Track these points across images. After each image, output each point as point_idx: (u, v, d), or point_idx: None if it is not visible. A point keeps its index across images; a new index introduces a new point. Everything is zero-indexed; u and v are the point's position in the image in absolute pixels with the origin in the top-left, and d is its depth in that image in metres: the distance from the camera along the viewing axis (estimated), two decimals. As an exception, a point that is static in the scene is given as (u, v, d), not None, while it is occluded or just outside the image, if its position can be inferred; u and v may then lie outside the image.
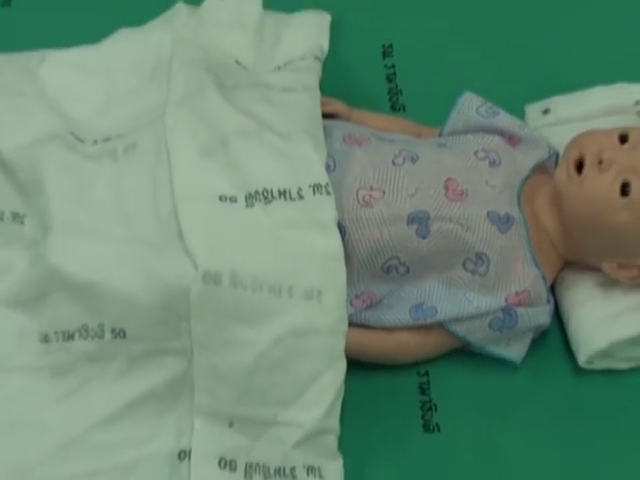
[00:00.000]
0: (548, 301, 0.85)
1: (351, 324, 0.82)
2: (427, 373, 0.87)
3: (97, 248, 0.81)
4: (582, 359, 0.83)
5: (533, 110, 0.94)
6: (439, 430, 0.85)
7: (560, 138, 0.88)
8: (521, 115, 0.95)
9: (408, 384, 0.87)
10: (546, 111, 0.93)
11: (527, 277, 0.84)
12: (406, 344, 0.85)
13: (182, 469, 0.80)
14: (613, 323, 0.83)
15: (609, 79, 0.93)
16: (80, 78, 0.96)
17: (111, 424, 0.80)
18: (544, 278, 0.85)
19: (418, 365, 0.87)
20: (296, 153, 0.86)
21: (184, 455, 0.80)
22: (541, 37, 0.96)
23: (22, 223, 0.87)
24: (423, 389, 0.87)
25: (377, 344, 0.85)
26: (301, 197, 0.83)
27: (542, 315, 0.85)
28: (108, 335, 0.80)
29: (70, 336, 0.81)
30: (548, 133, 0.90)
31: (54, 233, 0.81)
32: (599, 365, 0.84)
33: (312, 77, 0.95)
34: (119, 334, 0.80)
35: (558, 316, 0.88)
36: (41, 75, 0.96)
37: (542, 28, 0.96)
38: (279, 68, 0.98)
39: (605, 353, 0.83)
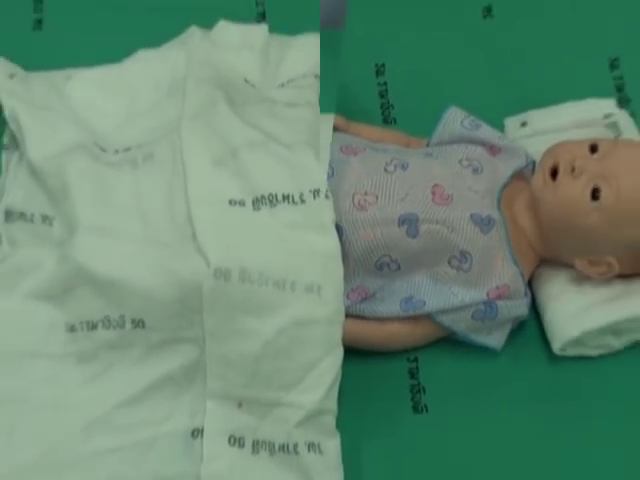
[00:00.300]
0: (525, 294, 0.86)
1: (347, 315, 0.83)
2: (416, 359, 0.88)
3: (118, 248, 0.82)
4: (556, 347, 0.85)
5: (512, 123, 0.94)
6: (427, 411, 0.86)
7: (536, 148, 0.89)
8: (501, 127, 0.96)
9: (399, 369, 0.88)
10: (524, 124, 0.93)
11: (506, 273, 0.85)
12: (397, 333, 0.86)
13: (195, 445, 0.81)
14: (584, 315, 0.83)
15: (580, 95, 0.93)
16: (103, 94, 0.97)
17: (131, 405, 0.82)
18: (522, 274, 0.86)
19: (408, 352, 0.88)
20: (298, 162, 0.87)
21: (197, 433, 0.81)
22: (519, 58, 0.96)
23: (51, 225, 0.88)
24: (412, 373, 0.88)
25: (371, 333, 0.86)
26: (303, 201, 0.85)
27: (520, 307, 0.86)
28: (129, 325, 0.81)
29: (94, 326, 0.82)
30: (525, 143, 0.91)
31: (79, 234, 0.83)
32: (571, 352, 0.85)
33: (313, 93, 0.95)
34: (139, 324, 0.81)
35: (535, 308, 0.89)
36: (68, 91, 0.97)
37: (520, 50, 0.96)
38: (283, 85, 0.99)
39: (577, 341, 0.84)
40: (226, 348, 0.81)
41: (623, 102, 0.93)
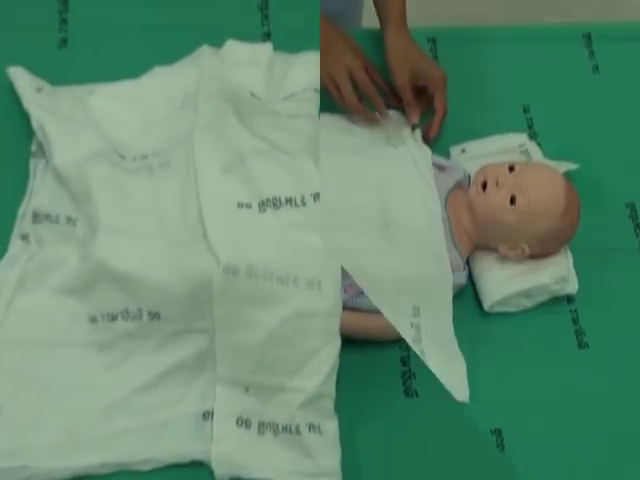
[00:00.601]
0: (464, 269, 0.93)
1: (345, 308, 0.85)
2: (407, 348, 0.88)
3: (136, 246, 0.84)
4: (486, 305, 0.94)
5: (455, 150, 1.04)
6: (417, 395, 0.88)
7: (472, 168, 1.00)
8: (447, 153, 1.04)
9: (392, 357, 0.89)
10: (463, 150, 1.04)
11: (450, 253, 0.92)
12: (389, 324, 0.86)
13: (206, 426, 0.82)
14: (506, 284, 0.94)
15: (502, 130, 1.05)
16: (122, 107, 0.98)
17: (148, 390, 0.83)
18: (461, 255, 0.93)
19: (400, 341, 0.88)
20: (300, 168, 0.89)
21: (208, 415, 0.83)
22: (458, 108, 1.05)
23: (74, 225, 0.89)
24: (404, 361, 0.89)
25: (366, 324, 0.87)
26: (304, 204, 0.86)
27: (461, 278, 0.93)
28: (145, 317, 0.83)
29: (114, 318, 0.84)
30: (464, 164, 1.01)
31: (100, 234, 0.84)
32: (497, 309, 0.94)
33: (313, 106, 0.97)
34: (155, 316, 0.83)
35: (471, 279, 0.96)
36: (90, 104, 0.97)
37: (456, 102, 1.04)
38: (286, 99, 1.01)
39: (501, 302, 0.94)
40: (234, 337, 0.82)
41: (532, 136, 1.06)
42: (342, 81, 0.96)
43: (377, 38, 1.05)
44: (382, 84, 1.02)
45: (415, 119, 1.01)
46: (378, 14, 1.05)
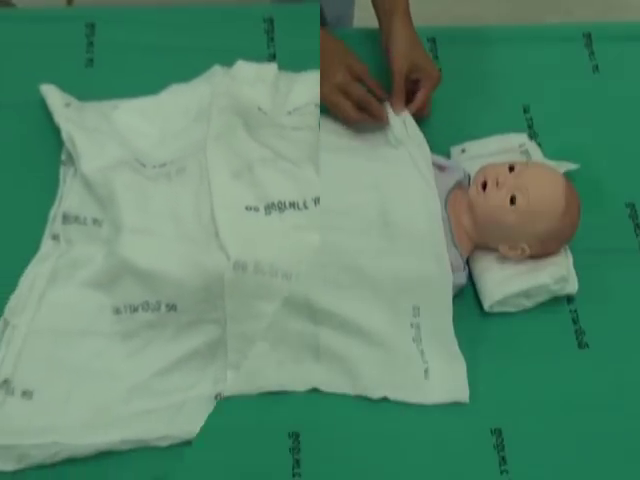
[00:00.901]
0: (464, 269, 0.92)
1: None
2: None
3: (155, 245, 0.86)
4: (486, 305, 0.92)
5: (455, 150, 1.03)
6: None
7: (472, 168, 0.98)
8: (448, 153, 1.03)
9: None
10: (463, 150, 1.02)
11: (450, 253, 0.91)
12: None
13: None
14: (505, 284, 0.92)
15: (502, 130, 1.03)
16: (143, 120, 0.99)
17: (165, 374, 0.85)
18: (461, 255, 0.92)
19: None
20: (302, 175, 0.91)
21: (219, 397, 0.84)
22: (458, 108, 1.04)
23: (100, 226, 0.91)
24: None
25: None
26: (306, 207, 0.88)
27: (461, 278, 0.92)
28: (163, 309, 0.85)
29: (135, 309, 0.86)
30: (464, 164, 1.00)
31: (124, 234, 0.87)
32: (497, 309, 0.93)
33: (313, 119, 0.98)
34: (172, 308, 0.85)
35: (471, 278, 0.94)
36: (114, 118, 0.99)
37: (456, 102, 1.04)
38: (290, 113, 1.01)
39: (500, 302, 0.92)
40: (243, 327, 0.85)
41: (532, 136, 1.03)
42: (338, 101, 0.95)
43: (371, 38, 1.04)
44: (377, 88, 0.98)
45: (399, 108, 0.96)
46: (380, 8, 1.00)
